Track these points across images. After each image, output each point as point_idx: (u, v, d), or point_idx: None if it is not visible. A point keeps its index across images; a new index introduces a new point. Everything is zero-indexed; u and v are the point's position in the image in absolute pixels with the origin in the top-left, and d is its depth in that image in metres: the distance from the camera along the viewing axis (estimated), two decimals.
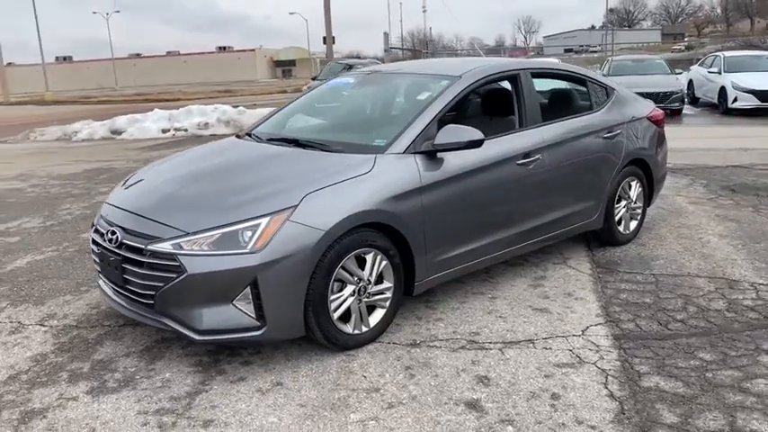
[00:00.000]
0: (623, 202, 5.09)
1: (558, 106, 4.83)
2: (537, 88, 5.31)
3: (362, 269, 3.39)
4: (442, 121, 3.82)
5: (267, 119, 4.73)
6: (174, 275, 3.06)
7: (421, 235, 3.60)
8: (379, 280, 3.50)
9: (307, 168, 3.52)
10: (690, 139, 11.44)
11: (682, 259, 4.79)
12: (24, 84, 62.46)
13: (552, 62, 7.93)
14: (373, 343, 3.50)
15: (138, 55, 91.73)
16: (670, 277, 4.44)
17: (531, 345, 3.48)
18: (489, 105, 4.69)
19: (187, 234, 3.11)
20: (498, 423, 2.76)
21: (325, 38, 22.71)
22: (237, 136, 4.53)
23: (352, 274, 3.35)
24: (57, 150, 13.42)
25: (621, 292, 4.21)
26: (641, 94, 15.63)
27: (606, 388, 3.02)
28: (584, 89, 4.97)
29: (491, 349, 3.43)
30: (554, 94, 5.14)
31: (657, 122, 5.38)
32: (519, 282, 4.42)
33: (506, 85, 4.44)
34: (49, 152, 13.10)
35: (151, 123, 15.75)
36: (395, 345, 3.51)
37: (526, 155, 4.18)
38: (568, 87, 5.06)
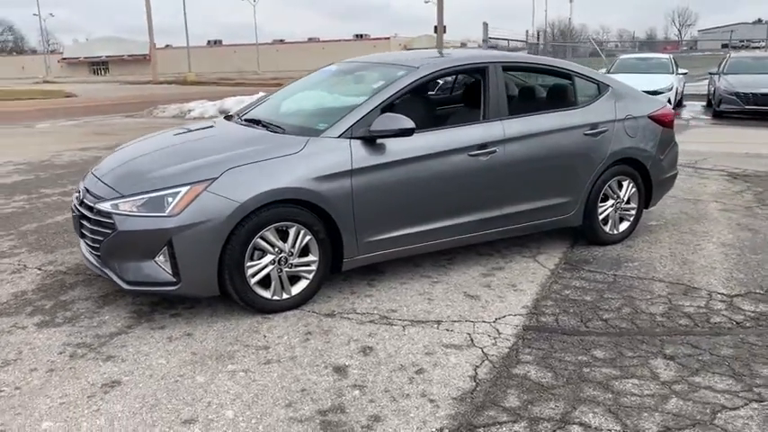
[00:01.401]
0: (610, 202, 5.00)
1: (535, 101, 4.84)
2: (537, 83, 5.33)
3: (285, 241, 3.71)
4: (385, 108, 4.02)
5: (263, 101, 5.13)
6: (110, 231, 3.56)
7: (350, 215, 3.85)
8: (305, 253, 3.81)
9: (245, 146, 3.88)
10: None
11: (658, 263, 4.67)
12: (176, 65, 67.90)
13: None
14: (294, 310, 3.82)
15: (281, 41, 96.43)
16: (630, 279, 4.37)
17: (436, 325, 3.63)
18: (454, 96, 4.81)
19: (123, 196, 3.60)
20: (350, 387, 3.00)
21: (436, 27, 22.96)
22: (227, 117, 4.98)
23: (272, 245, 3.68)
24: (166, 126, 14.72)
25: (568, 288, 4.22)
26: (739, 95, 14.55)
27: (475, 370, 3.15)
28: (570, 84, 4.93)
29: (396, 325, 3.64)
30: (531, 88, 5.14)
31: (663, 123, 5.20)
32: (473, 270, 4.53)
33: (476, 76, 4.54)
34: (158, 127, 14.39)
35: None
36: (313, 313, 3.80)
37: (481, 146, 4.28)
38: (551, 83, 5.02)
